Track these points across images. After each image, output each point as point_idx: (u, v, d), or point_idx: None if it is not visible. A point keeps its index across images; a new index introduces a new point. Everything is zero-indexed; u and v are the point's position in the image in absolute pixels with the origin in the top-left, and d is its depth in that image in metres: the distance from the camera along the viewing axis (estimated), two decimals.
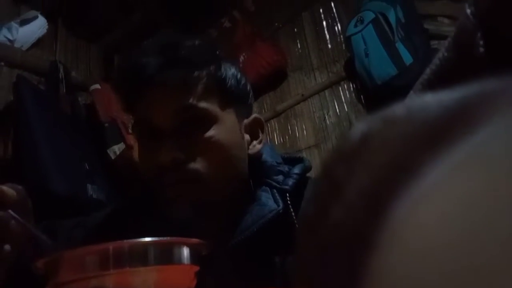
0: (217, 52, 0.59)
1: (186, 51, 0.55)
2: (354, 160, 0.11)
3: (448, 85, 0.11)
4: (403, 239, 0.08)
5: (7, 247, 0.41)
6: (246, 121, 0.61)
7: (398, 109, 0.11)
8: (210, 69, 0.56)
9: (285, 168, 0.60)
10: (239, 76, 0.60)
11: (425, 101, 0.11)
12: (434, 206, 0.08)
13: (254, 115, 0.64)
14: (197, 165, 0.53)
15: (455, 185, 0.08)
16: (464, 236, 0.07)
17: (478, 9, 0.21)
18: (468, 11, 0.22)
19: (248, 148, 0.61)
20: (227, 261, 0.53)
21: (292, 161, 0.63)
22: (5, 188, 0.44)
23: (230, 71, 0.58)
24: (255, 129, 0.63)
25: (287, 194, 0.56)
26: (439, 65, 0.26)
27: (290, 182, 0.57)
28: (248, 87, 0.63)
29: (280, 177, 0.58)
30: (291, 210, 0.55)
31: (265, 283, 0.46)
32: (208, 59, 0.57)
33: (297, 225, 0.53)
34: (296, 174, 0.58)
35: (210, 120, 0.55)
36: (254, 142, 0.62)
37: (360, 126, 0.12)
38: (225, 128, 0.56)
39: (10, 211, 0.43)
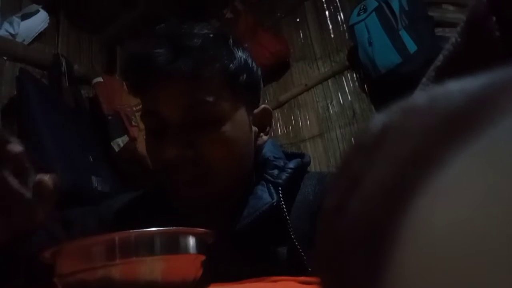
0: (229, 42, 0.56)
1: (197, 41, 0.52)
2: (373, 152, 0.11)
3: (462, 71, 0.10)
4: (423, 234, 0.08)
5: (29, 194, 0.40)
6: (255, 111, 0.60)
7: (419, 98, 0.11)
8: (222, 62, 0.53)
9: (281, 162, 0.60)
10: (250, 64, 0.58)
11: (447, 89, 0.10)
12: (456, 200, 0.08)
13: (263, 106, 0.62)
14: (206, 162, 0.52)
15: (477, 178, 0.08)
16: (486, 232, 0.07)
17: None
18: None
19: (256, 140, 0.61)
20: (223, 251, 0.53)
21: (294, 156, 0.64)
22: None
23: (242, 61, 0.56)
24: (263, 120, 0.62)
25: (280, 188, 0.56)
26: (452, 50, 0.25)
27: (284, 176, 0.57)
28: (259, 74, 0.61)
29: (275, 171, 0.59)
30: (282, 203, 0.55)
31: (260, 271, 0.46)
32: (220, 50, 0.54)
33: (288, 218, 0.55)
34: (290, 168, 0.59)
35: (221, 117, 0.53)
36: (262, 134, 0.62)
37: (380, 117, 0.11)
38: (235, 125, 0.54)
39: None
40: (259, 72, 0.61)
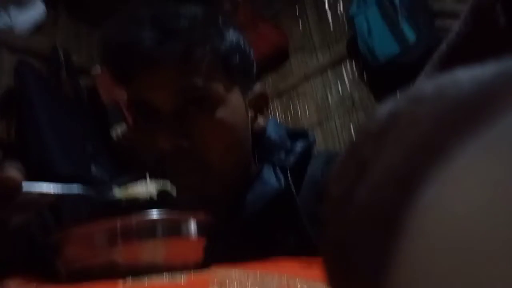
0: (218, 22, 0.53)
1: (185, 23, 0.48)
2: (381, 140, 0.11)
3: (466, 59, 0.11)
4: (431, 223, 0.08)
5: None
6: (250, 94, 0.57)
7: (427, 86, 0.10)
8: (213, 43, 0.50)
9: (288, 144, 0.58)
10: (243, 45, 0.54)
11: (456, 77, 0.10)
12: (465, 190, 0.08)
13: (258, 88, 0.59)
14: (203, 151, 0.50)
15: (486, 167, 0.08)
16: (495, 222, 0.07)
17: None
18: None
19: (253, 125, 0.58)
20: (229, 237, 0.52)
21: (296, 135, 0.61)
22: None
23: (234, 42, 0.53)
24: (260, 104, 0.59)
25: (288, 172, 0.54)
26: (456, 39, 0.25)
27: (292, 159, 0.55)
28: (252, 55, 0.57)
29: (282, 154, 0.56)
30: (293, 187, 0.53)
31: (267, 256, 0.45)
32: (210, 30, 0.50)
33: (298, 202, 0.52)
34: (298, 150, 0.57)
35: (215, 101, 0.50)
36: (259, 118, 0.59)
37: (387, 105, 0.11)
38: (230, 109, 0.51)
39: None
40: (252, 52, 0.58)
